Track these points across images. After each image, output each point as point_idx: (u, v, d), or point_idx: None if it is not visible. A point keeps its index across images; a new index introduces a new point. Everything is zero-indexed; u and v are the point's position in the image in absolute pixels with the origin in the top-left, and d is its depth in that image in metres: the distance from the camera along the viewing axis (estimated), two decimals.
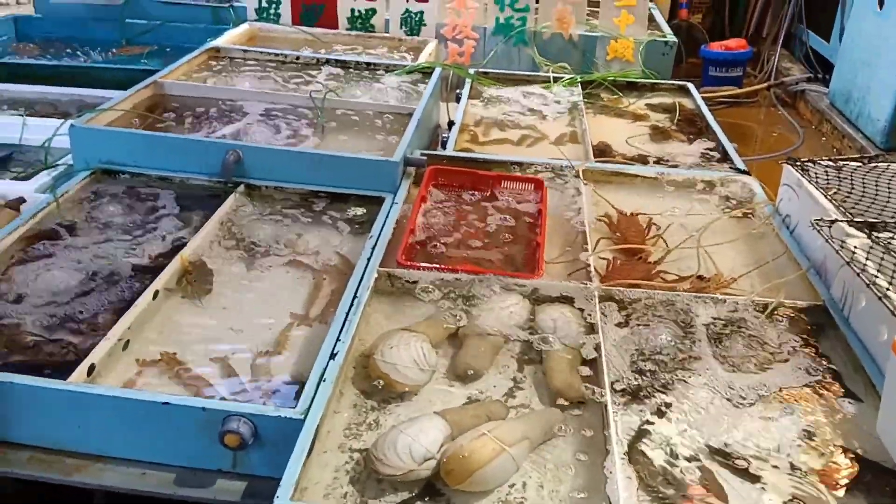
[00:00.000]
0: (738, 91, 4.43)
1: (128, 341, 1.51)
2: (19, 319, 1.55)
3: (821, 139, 4.01)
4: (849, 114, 4.04)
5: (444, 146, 2.39)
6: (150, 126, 2.27)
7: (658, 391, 1.40)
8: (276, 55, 2.93)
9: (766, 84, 4.56)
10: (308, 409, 1.29)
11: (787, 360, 1.48)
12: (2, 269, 1.69)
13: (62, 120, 2.42)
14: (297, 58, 2.92)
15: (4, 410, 1.34)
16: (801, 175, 1.79)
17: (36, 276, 1.68)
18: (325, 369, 1.38)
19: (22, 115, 2.58)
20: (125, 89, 2.45)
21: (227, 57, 2.92)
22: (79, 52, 3.38)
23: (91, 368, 1.38)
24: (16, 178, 2.22)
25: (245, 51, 2.97)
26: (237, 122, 2.36)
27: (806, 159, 1.86)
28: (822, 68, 4.68)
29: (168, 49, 3.41)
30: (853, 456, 1.29)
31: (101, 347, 1.43)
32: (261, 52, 2.96)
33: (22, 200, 2.02)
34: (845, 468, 1.26)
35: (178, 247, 1.81)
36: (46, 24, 3.62)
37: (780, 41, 4.79)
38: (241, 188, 2.05)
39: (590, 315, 1.57)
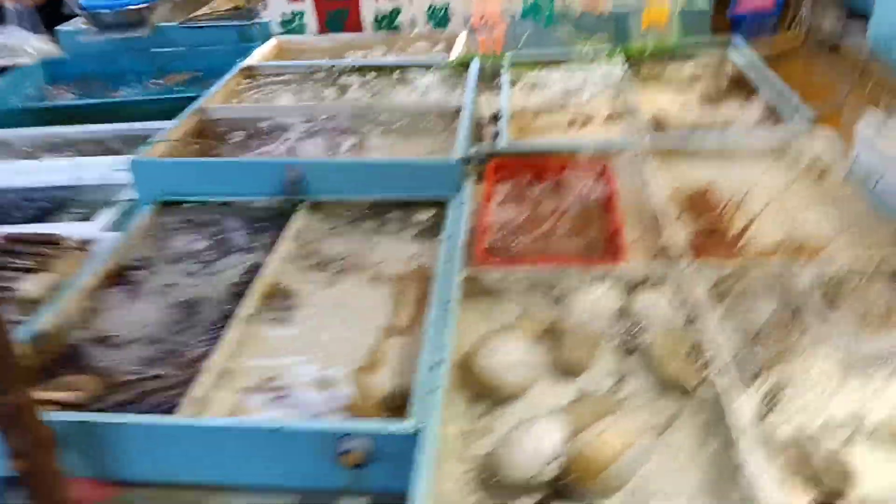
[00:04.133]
0: (772, 47, 4.34)
1: (225, 369, 1.51)
2: (116, 359, 1.55)
3: (866, 88, 3.91)
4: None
5: (495, 139, 2.36)
6: (203, 152, 2.27)
7: (774, 367, 1.36)
8: (309, 67, 2.92)
9: (800, 37, 4.46)
10: (422, 421, 1.27)
11: None
12: (87, 311, 1.70)
13: (114, 156, 2.44)
14: (331, 67, 2.90)
15: (119, 450, 1.35)
16: (882, 123, 1.73)
17: (122, 313, 1.69)
18: (430, 379, 1.36)
19: (72, 157, 2.60)
20: (165, 119, 2.46)
21: (260, 74, 2.91)
22: (116, 88, 3.39)
23: (196, 401, 1.38)
24: (79, 220, 2.24)
25: (277, 66, 2.96)
26: (286, 139, 2.35)
27: (885, 108, 1.80)
28: (857, 14, 4.55)
29: (200, 73, 3.41)
30: None
31: (201, 379, 1.43)
32: (294, 66, 2.95)
33: (90, 241, 2.03)
34: None
35: (254, 270, 1.81)
36: (75, 64, 3.63)
37: None
38: (305, 204, 2.04)
39: (685, 295, 1.53)
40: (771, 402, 1.30)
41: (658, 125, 2.30)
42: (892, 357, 1.35)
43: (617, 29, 3.15)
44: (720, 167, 2.04)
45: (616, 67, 2.75)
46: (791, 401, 1.30)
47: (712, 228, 1.77)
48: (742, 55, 2.75)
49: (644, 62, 2.81)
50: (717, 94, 2.50)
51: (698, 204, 1.85)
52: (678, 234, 1.73)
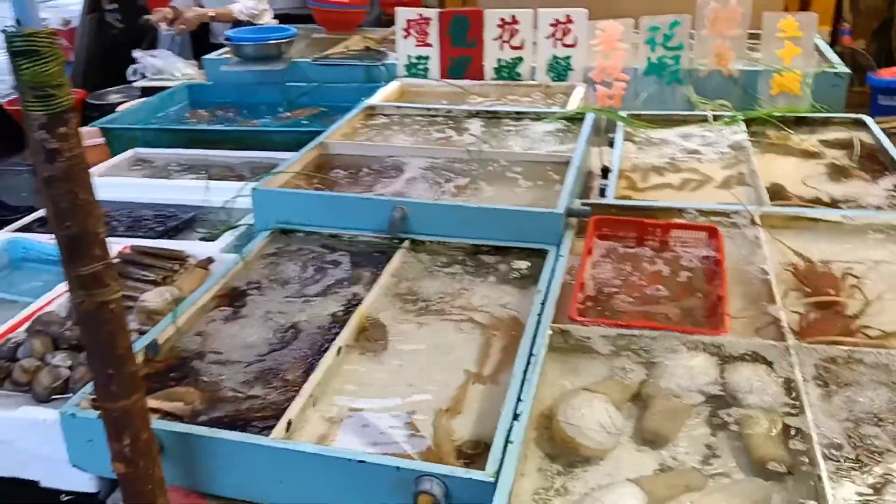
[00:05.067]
0: None
1: (316, 398, 1.57)
2: (220, 375, 1.65)
3: None
4: None
5: (602, 194, 2.35)
6: (320, 185, 2.40)
7: (877, 460, 1.28)
8: (428, 110, 3.02)
9: None
10: (499, 472, 1.28)
11: None
12: (199, 327, 1.82)
13: (240, 182, 2.61)
14: (449, 111, 2.99)
15: (211, 464, 1.43)
16: None
17: (230, 332, 1.80)
18: (510, 430, 1.37)
19: (204, 179, 2.80)
20: (291, 150, 2.62)
21: (381, 114, 3.04)
22: (249, 116, 3.64)
23: (289, 425, 1.45)
24: (203, 239, 2.40)
25: (398, 107, 3.08)
26: (398, 178, 2.44)
27: None
28: None
29: (326, 108, 3.61)
30: None
31: (295, 404, 1.50)
32: (413, 108, 3.06)
33: (210, 260, 2.17)
34: None
35: (353, 302, 1.88)
36: (216, 91, 3.93)
37: None
38: (407, 243, 2.10)
39: (788, 375, 1.46)
40: (872, 496, 1.22)
41: (776, 194, 2.22)
42: None
43: (745, 92, 3.07)
44: (839, 244, 1.94)
45: (738, 131, 2.69)
46: (890, 497, 1.21)
47: (824, 306, 1.69)
48: (875, 130, 2.61)
49: (769, 128, 2.72)
50: (844, 169, 2.39)
51: (811, 280, 1.77)
52: (786, 309, 1.65)
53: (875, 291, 1.71)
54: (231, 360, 1.71)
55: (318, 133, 2.69)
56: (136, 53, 4.35)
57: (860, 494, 1.23)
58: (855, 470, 1.27)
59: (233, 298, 1.94)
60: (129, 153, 3.11)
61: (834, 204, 2.17)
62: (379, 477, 1.33)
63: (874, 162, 2.42)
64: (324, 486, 1.38)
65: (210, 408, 1.55)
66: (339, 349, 1.69)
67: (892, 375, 1.45)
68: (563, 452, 1.39)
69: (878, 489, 1.23)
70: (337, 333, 1.73)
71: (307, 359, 1.68)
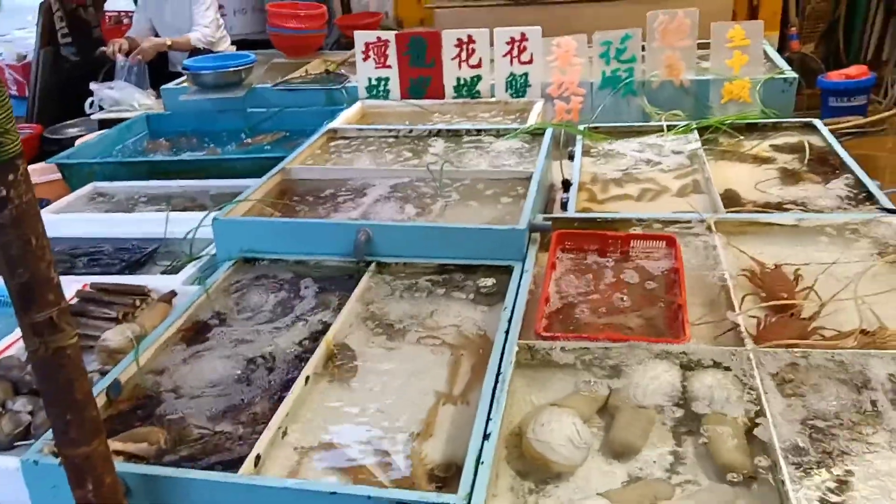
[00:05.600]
0: (864, 120, 4.21)
1: (286, 430, 1.56)
2: (185, 413, 1.63)
3: None
4: None
5: (564, 208, 2.38)
6: (283, 212, 2.39)
7: (837, 460, 1.31)
8: (390, 130, 3.04)
9: (892, 111, 4.31)
10: (471, 494, 1.28)
11: None
12: (163, 364, 1.80)
13: (202, 212, 2.59)
14: (410, 131, 3.01)
15: (182, 503, 1.41)
16: None
17: (195, 367, 1.78)
18: (480, 450, 1.37)
19: (164, 210, 2.78)
20: (253, 177, 2.61)
21: (343, 137, 3.05)
22: (210, 145, 3.62)
23: (258, 459, 1.44)
24: (165, 272, 2.38)
25: (360, 129, 3.10)
26: (362, 201, 2.45)
27: None
28: None
29: (287, 133, 3.61)
30: None
31: (263, 437, 1.48)
32: (375, 130, 3.08)
33: (173, 294, 2.15)
34: None
35: (320, 330, 1.88)
36: (176, 120, 3.91)
37: None
38: (373, 266, 2.11)
39: (748, 380, 1.49)
40: (834, 496, 1.24)
41: (730, 201, 2.27)
42: None
43: (697, 101, 3.14)
44: (793, 247, 1.99)
45: (691, 140, 2.74)
46: (855, 499, 1.24)
47: (781, 310, 1.73)
48: (825, 133, 2.69)
49: (722, 135, 2.79)
50: (796, 173, 2.45)
51: (767, 284, 1.81)
52: (745, 314, 1.69)
53: (829, 292, 1.75)
54: (197, 395, 1.69)
55: (281, 159, 2.69)
56: (93, 86, 4.31)
57: (822, 494, 1.25)
58: (816, 471, 1.30)
59: (197, 332, 1.92)
60: (87, 188, 3.08)
61: (787, 208, 2.22)
62: None
63: (825, 164, 2.48)
64: None
65: (176, 446, 1.53)
66: (308, 378, 1.68)
67: (848, 374, 1.49)
68: (534, 469, 1.40)
69: (839, 488, 1.26)
70: (305, 362, 1.73)
71: (275, 390, 1.67)
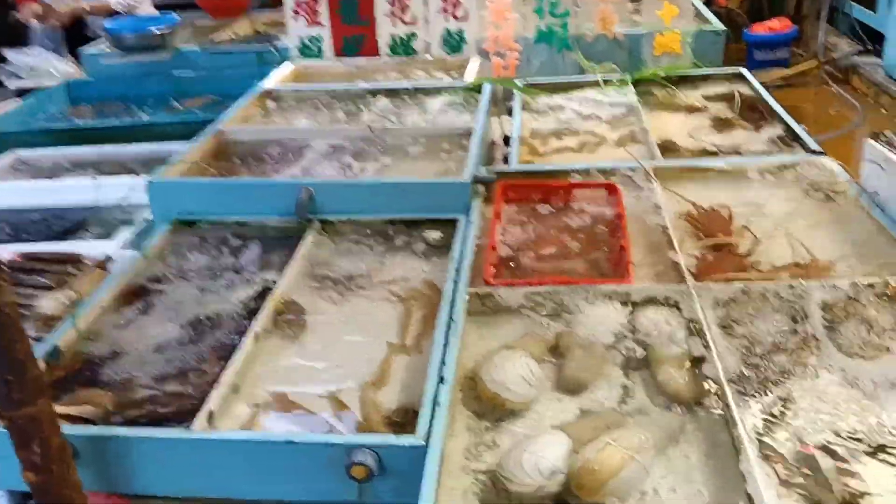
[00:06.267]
0: (787, 72, 4.36)
1: (237, 385, 1.54)
2: (130, 375, 1.59)
3: (881, 112, 3.92)
4: None
5: (506, 161, 2.39)
6: (220, 174, 2.32)
7: (777, 383, 1.38)
8: (327, 90, 2.98)
9: (814, 63, 4.48)
10: (429, 435, 1.30)
11: None
12: (104, 329, 1.74)
13: (133, 177, 2.50)
14: (347, 90, 2.96)
15: (133, 464, 1.38)
16: (889, 149, 1.75)
17: (138, 330, 1.73)
18: (436, 393, 1.39)
19: (92, 177, 2.66)
20: (185, 140, 2.52)
21: (278, 97, 2.98)
22: (137, 110, 3.48)
23: (211, 415, 1.41)
24: (98, 238, 2.29)
25: (295, 89, 3.03)
26: (302, 161, 2.40)
27: (890, 132, 1.82)
28: (870, 40, 4.57)
29: (219, 98, 3.49)
30: None
31: (215, 394, 1.46)
32: (311, 89, 3.01)
33: (109, 260, 2.08)
34: None
35: (266, 289, 1.84)
36: (97, 86, 3.73)
37: (824, 16, 4.70)
38: (317, 224, 2.08)
39: (691, 314, 1.55)
40: (776, 417, 1.31)
41: (667, 149, 2.32)
42: (885, 377, 1.35)
43: (630, 54, 3.18)
44: (727, 190, 2.06)
45: (627, 93, 2.79)
46: (796, 417, 1.31)
47: (719, 248, 1.79)
48: (753, 82, 2.77)
49: (655, 87, 2.84)
50: (727, 120, 2.53)
51: (704, 225, 1.87)
52: (685, 253, 1.74)
53: (762, 230, 1.82)
54: (143, 359, 1.64)
55: (212, 122, 2.61)
56: (7, 53, 4.06)
57: (765, 416, 1.32)
58: (758, 395, 1.36)
59: (138, 295, 1.86)
60: (8, 156, 2.92)
61: (720, 154, 2.29)
62: (309, 456, 1.32)
63: (754, 112, 2.57)
64: (253, 473, 1.35)
65: (123, 409, 1.49)
66: (257, 335, 1.66)
67: (783, 304, 1.55)
68: (490, 409, 1.42)
69: (780, 409, 1.32)
70: (252, 321, 1.69)
71: (224, 349, 1.64)
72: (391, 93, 2.91)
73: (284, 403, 1.50)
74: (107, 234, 2.30)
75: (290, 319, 1.75)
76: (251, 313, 1.74)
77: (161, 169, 2.21)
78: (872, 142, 1.84)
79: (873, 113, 3.91)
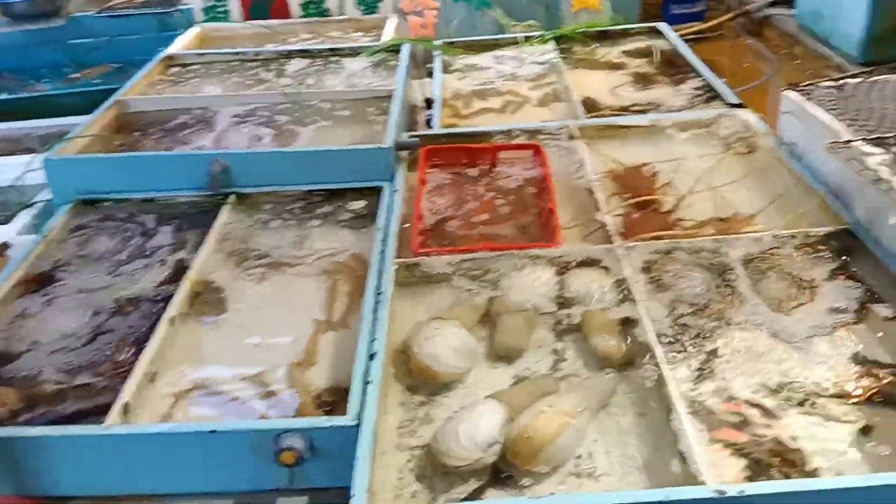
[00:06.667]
0: (702, 26, 4.43)
1: (154, 374, 1.45)
2: (36, 369, 1.47)
3: (794, 62, 4.03)
4: (820, 33, 4.04)
5: (428, 125, 2.33)
6: (123, 148, 2.18)
7: (705, 339, 1.39)
8: (236, 54, 2.84)
9: (729, 15, 4.55)
10: (360, 414, 1.25)
11: (823, 290, 1.48)
12: (4, 320, 1.61)
13: (30, 155, 2.32)
14: (258, 54, 2.82)
15: (44, 465, 1.28)
16: (805, 100, 1.78)
17: (43, 321, 1.61)
18: (367, 370, 1.34)
19: None
20: (85, 114, 2.35)
21: (184, 64, 2.81)
22: (30, 82, 3.23)
23: (126, 408, 1.32)
24: None
25: (202, 54, 2.86)
26: (213, 131, 2.28)
27: (806, 83, 1.84)
28: None
29: (119, 65, 3.28)
30: None
31: (130, 384, 1.37)
32: (219, 54, 2.86)
33: (6, 246, 1.93)
34: None
35: (180, 269, 1.75)
36: None
37: None
38: (232, 198, 1.98)
39: (619, 274, 1.54)
40: (705, 373, 1.32)
41: (589, 107, 2.31)
42: (806, 327, 1.38)
43: (548, 10, 3.15)
44: (650, 146, 2.07)
45: (548, 51, 2.76)
46: (724, 373, 1.32)
47: (644, 206, 1.79)
48: (671, 37, 2.78)
49: (576, 44, 2.82)
50: (647, 76, 2.53)
51: (630, 183, 1.87)
52: (611, 213, 1.74)
53: (685, 186, 1.83)
54: (49, 350, 1.53)
55: (113, 91, 2.44)
56: None
57: (694, 372, 1.33)
58: (687, 352, 1.37)
59: (40, 283, 1.73)
60: None
61: (642, 110, 2.29)
62: (235, 444, 1.26)
63: (673, 67, 2.58)
64: (176, 466, 1.28)
65: (31, 406, 1.38)
66: (173, 319, 1.56)
67: (707, 260, 1.57)
68: (423, 383, 1.38)
69: (708, 365, 1.34)
70: (167, 304, 1.60)
71: (138, 336, 1.55)
72: (306, 54, 2.79)
73: (205, 390, 1.42)
74: (3, 219, 2.13)
75: (209, 301, 1.66)
76: (165, 297, 1.64)
77: (59, 145, 2.05)
78: (789, 93, 1.86)
79: (787, 64, 4.02)
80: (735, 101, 2.19)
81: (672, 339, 1.39)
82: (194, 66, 2.78)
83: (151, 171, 2.00)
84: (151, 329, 1.53)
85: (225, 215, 1.92)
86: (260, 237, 1.87)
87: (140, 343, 1.50)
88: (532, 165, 2.01)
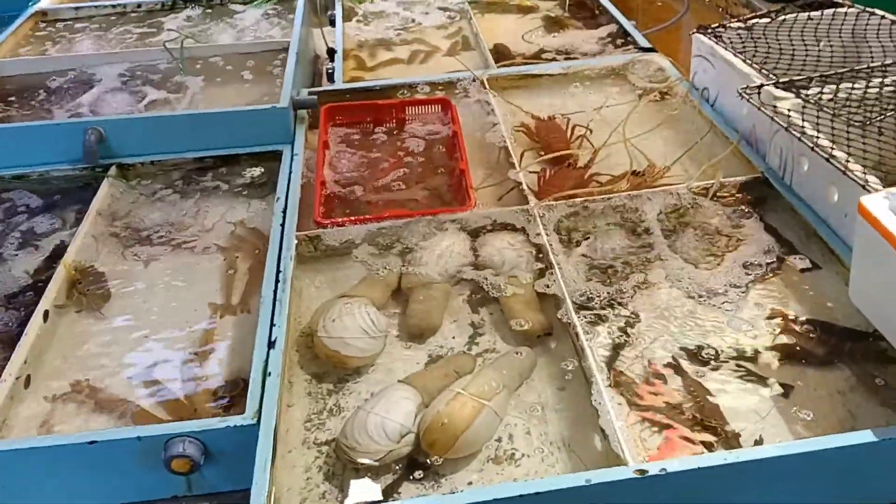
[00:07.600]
0: None
1: (28, 377, 1.30)
2: None
3: (705, 1, 3.99)
4: None
5: (331, 79, 2.17)
6: None
7: (624, 302, 1.33)
8: (115, 7, 2.59)
9: None
10: (259, 410, 1.14)
11: (739, 240, 1.44)
12: None
13: None
14: (139, 6, 2.58)
15: None
16: (715, 43, 1.71)
17: None
18: (266, 361, 1.22)
19: None
20: None
21: (56, 20, 2.55)
22: None
23: None
24: None
25: (76, 8, 2.60)
26: (89, 95, 2.06)
27: (716, 25, 1.78)
28: None
29: None
30: (829, 326, 1.26)
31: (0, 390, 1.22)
32: (95, 7, 2.60)
33: None
34: (824, 341, 1.24)
35: (56, 254, 1.57)
36: None
37: None
38: (113, 171, 1.79)
39: (535, 237, 1.46)
40: (624, 339, 1.27)
41: (500, 56, 2.20)
42: (724, 282, 1.34)
43: None
44: (562, 96, 1.99)
45: None
46: (643, 336, 1.27)
47: (559, 162, 1.71)
48: None
49: None
50: (558, 20, 2.43)
51: (542, 136, 1.78)
52: (525, 171, 1.65)
53: (601, 138, 1.76)
54: None
55: None
56: None
57: (613, 339, 1.27)
58: (606, 319, 1.31)
59: None
60: None
61: (554, 57, 2.19)
62: (119, 454, 1.13)
63: (584, 9, 2.48)
64: (55, 482, 1.15)
65: None
66: (46, 313, 1.40)
67: (624, 216, 1.51)
68: (331, 369, 1.28)
69: (627, 331, 1.28)
70: (41, 295, 1.43)
71: (6, 333, 1.38)
72: (192, 5, 2.55)
73: (86, 392, 1.28)
74: None
75: (89, 289, 1.50)
76: (39, 285, 1.47)
77: None
78: (700, 35, 1.79)
79: (698, 3, 3.97)
80: (646, 45, 2.11)
81: (590, 305, 1.33)
82: (68, 22, 2.53)
83: (19, 143, 1.80)
84: (23, 325, 1.36)
85: (105, 190, 1.74)
86: (146, 213, 1.71)
87: (9, 341, 1.34)
88: (442, 121, 1.90)
